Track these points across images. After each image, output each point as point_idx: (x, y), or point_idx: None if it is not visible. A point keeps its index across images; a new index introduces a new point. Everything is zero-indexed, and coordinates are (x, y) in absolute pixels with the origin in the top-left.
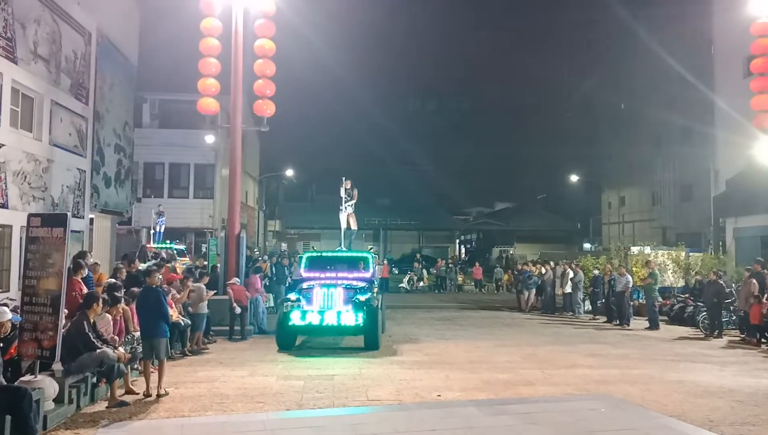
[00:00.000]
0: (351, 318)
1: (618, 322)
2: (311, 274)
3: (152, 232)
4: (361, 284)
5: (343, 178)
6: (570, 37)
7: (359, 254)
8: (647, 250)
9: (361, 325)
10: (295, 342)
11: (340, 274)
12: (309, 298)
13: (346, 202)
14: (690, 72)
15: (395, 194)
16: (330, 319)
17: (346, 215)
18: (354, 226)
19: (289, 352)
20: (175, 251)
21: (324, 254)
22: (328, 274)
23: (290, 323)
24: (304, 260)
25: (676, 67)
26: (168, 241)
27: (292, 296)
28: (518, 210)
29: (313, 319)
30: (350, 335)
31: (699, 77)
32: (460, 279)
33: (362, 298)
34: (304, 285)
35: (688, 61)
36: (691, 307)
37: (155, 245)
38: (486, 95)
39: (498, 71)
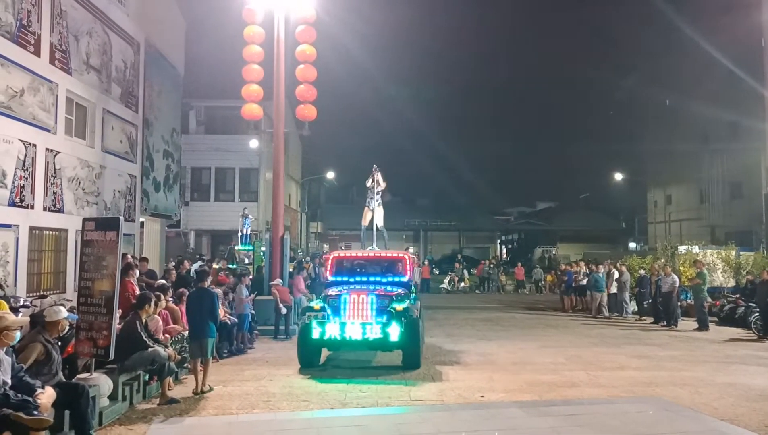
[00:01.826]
0: (386, 331)
1: (665, 323)
2: (339, 279)
3: (239, 234)
4: (398, 290)
5: (374, 167)
6: (613, 33)
7: (394, 255)
8: (695, 249)
9: (399, 339)
10: (319, 359)
11: (372, 279)
12: (336, 308)
13: (376, 193)
14: (738, 65)
15: (436, 195)
16: (360, 333)
17: (373, 209)
18: (381, 222)
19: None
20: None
21: (353, 255)
22: (358, 279)
23: (313, 337)
24: (330, 262)
25: (723, 60)
26: (252, 243)
27: (316, 305)
28: (561, 209)
29: (340, 332)
30: (385, 351)
31: (747, 70)
32: (502, 279)
33: (399, 307)
34: (331, 292)
35: (735, 54)
36: (743, 308)
37: (241, 247)
38: (528, 94)
39: (540, 69)
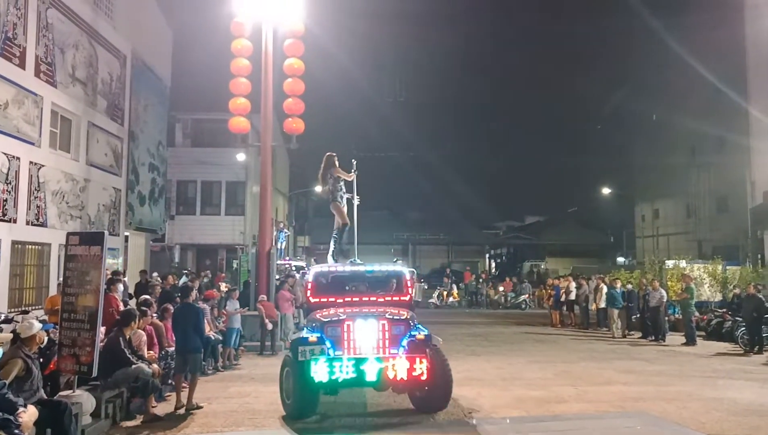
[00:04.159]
0: (409, 367)
1: (653, 338)
2: (323, 299)
3: (275, 248)
4: (404, 314)
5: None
6: (601, 48)
7: (390, 270)
8: (683, 263)
9: (426, 376)
10: (316, 406)
11: (366, 299)
12: (336, 338)
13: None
14: (723, 81)
15: (424, 208)
16: (377, 371)
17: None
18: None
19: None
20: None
21: (341, 270)
22: (347, 299)
23: (314, 380)
24: (311, 278)
25: (709, 76)
26: (288, 257)
27: (312, 337)
28: (549, 224)
29: (347, 370)
30: (404, 392)
31: (733, 87)
32: (492, 293)
33: (420, 334)
34: (321, 316)
35: (721, 71)
36: (730, 322)
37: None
38: (515, 109)
39: (528, 84)
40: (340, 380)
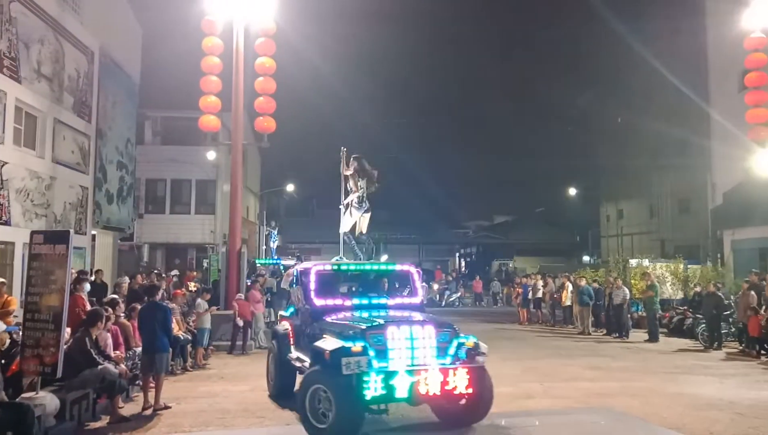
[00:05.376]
0: (470, 378)
1: (617, 335)
2: (329, 302)
3: (265, 247)
4: (445, 319)
5: (347, 152)
6: (567, 52)
7: (397, 268)
8: (646, 262)
9: (473, 389)
10: (362, 425)
11: (375, 301)
12: (382, 347)
13: (361, 193)
14: (686, 86)
15: (395, 208)
16: (432, 384)
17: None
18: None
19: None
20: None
21: (344, 270)
22: (358, 302)
23: (363, 396)
24: (313, 279)
25: (671, 81)
26: (278, 257)
27: (356, 346)
28: (517, 223)
29: (400, 385)
30: (435, 404)
31: (695, 91)
32: (460, 293)
33: (470, 341)
34: (350, 322)
35: (683, 76)
36: (690, 319)
37: (265, 262)
38: (483, 110)
39: (496, 87)
40: (391, 396)
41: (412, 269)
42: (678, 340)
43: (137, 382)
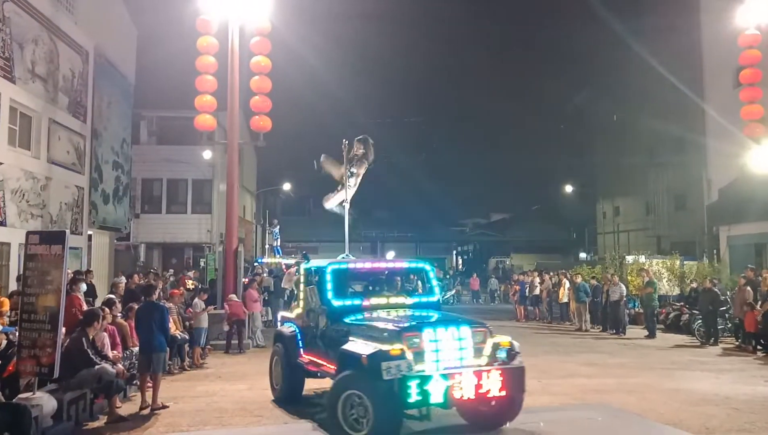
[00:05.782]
0: (504, 380)
1: (614, 331)
2: (347, 302)
3: (269, 245)
4: (479, 318)
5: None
6: (563, 50)
7: (412, 265)
8: (642, 259)
9: (506, 391)
10: (400, 431)
11: (393, 301)
12: (419, 350)
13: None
14: (681, 82)
15: (392, 207)
16: (469, 387)
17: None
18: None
19: None
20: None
21: (359, 268)
22: (375, 302)
23: (406, 402)
24: (330, 278)
25: (667, 77)
26: (281, 256)
27: (394, 349)
28: (514, 221)
29: (437, 389)
30: (464, 407)
31: (690, 88)
32: (454, 290)
33: (504, 341)
34: (382, 323)
35: (679, 73)
36: (687, 315)
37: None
38: (480, 108)
39: (492, 84)
40: (426, 400)
41: (428, 267)
42: (674, 336)
43: (135, 381)
